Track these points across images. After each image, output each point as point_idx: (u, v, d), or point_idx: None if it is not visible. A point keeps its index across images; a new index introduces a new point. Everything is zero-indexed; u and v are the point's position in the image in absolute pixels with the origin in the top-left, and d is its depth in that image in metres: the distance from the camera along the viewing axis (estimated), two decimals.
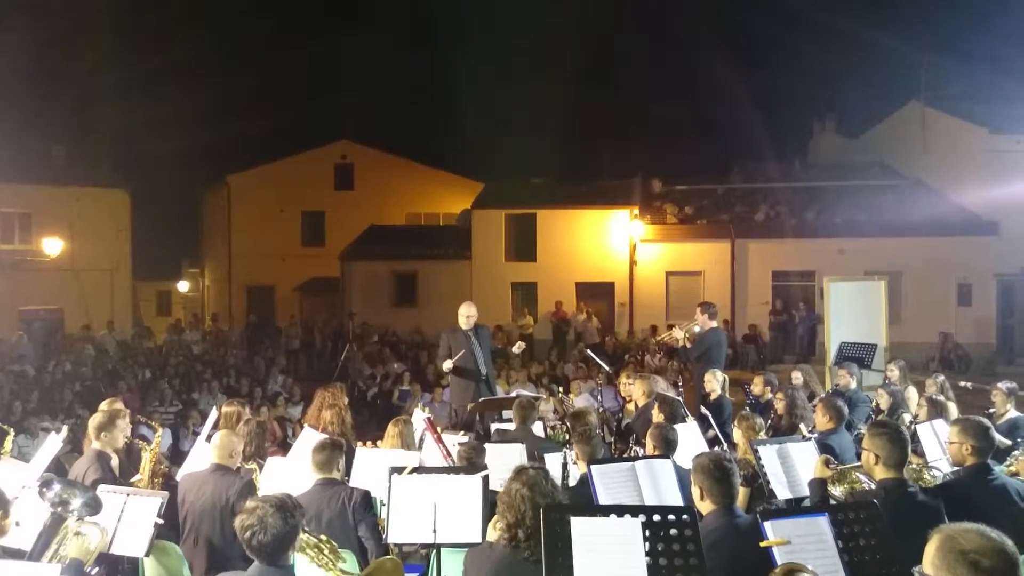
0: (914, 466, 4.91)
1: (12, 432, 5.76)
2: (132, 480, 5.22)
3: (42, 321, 21.70)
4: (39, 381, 14.25)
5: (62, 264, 21.72)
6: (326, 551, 3.40)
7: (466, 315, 8.15)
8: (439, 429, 5.89)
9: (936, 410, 6.37)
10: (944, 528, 2.34)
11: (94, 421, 5.27)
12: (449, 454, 5.41)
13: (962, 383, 9.14)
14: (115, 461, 5.30)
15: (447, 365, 7.97)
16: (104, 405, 5.82)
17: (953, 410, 6.78)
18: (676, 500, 4.18)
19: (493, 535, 3.37)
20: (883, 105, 24.83)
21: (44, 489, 3.68)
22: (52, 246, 21.41)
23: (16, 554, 3.80)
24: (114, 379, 14.46)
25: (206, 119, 35.89)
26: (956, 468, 4.50)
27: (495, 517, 3.40)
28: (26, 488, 4.19)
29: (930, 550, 2.29)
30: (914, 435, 5.91)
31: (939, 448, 5.41)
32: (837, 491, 4.26)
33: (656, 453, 4.86)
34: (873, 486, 4.05)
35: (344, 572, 3.40)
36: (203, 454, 5.22)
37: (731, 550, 3.42)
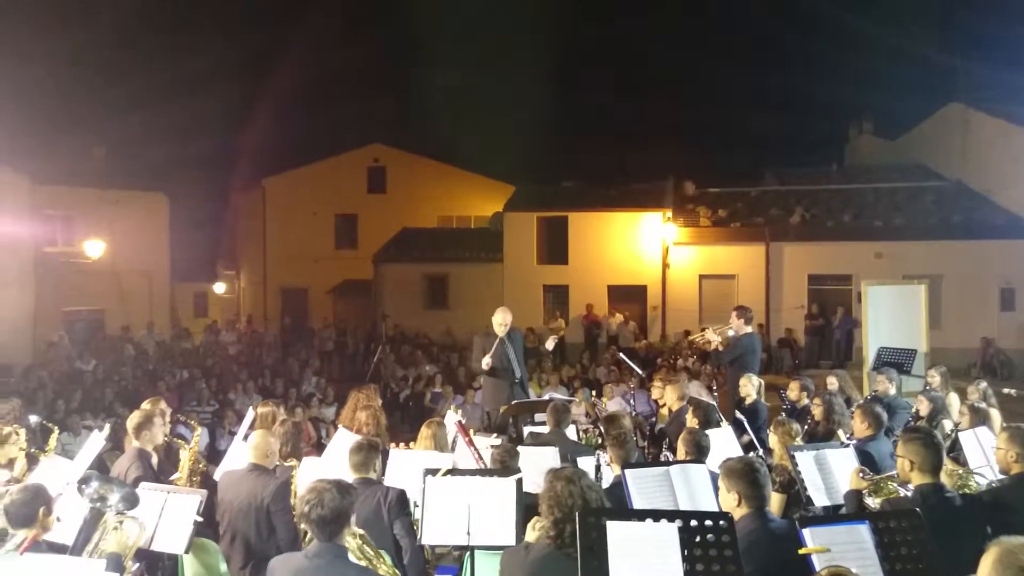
0: (960, 472, 4.81)
1: (57, 430, 5.92)
2: (171, 478, 5.31)
3: (84, 322, 22.13)
4: (80, 380, 14.57)
5: (103, 266, 22.04)
6: (371, 554, 3.50)
7: (501, 323, 8.09)
8: (471, 432, 5.88)
9: (979, 417, 6.21)
10: (1003, 541, 2.26)
11: (132, 421, 5.37)
12: (481, 457, 5.40)
13: (1005, 390, 8.91)
14: (154, 459, 5.40)
15: (486, 361, 7.93)
16: (146, 404, 5.90)
17: (996, 417, 6.60)
18: (711, 505, 4.14)
19: (532, 535, 3.35)
20: (921, 107, 24.40)
21: (83, 486, 3.79)
22: (94, 248, 21.75)
23: (59, 548, 3.88)
24: (153, 379, 14.73)
25: (242, 123, 36.46)
26: (1002, 475, 4.41)
27: (534, 519, 3.39)
28: (70, 484, 4.29)
29: (986, 562, 2.22)
30: (956, 442, 5.79)
31: (982, 456, 5.29)
32: (874, 502, 4.18)
33: (688, 458, 4.82)
34: (909, 495, 3.98)
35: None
36: (240, 453, 5.29)
37: (765, 554, 3.37)
